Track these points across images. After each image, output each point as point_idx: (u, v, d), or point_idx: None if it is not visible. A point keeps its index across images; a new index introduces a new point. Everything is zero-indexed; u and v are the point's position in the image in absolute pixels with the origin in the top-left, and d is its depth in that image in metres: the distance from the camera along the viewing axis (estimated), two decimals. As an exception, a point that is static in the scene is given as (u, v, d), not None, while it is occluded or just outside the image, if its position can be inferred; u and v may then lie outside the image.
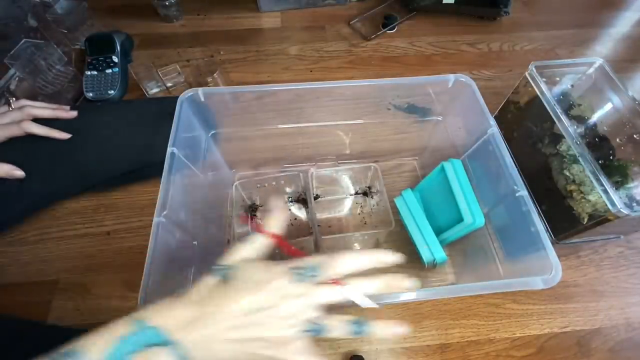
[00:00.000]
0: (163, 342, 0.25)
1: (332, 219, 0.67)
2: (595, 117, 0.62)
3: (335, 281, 0.28)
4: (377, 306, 0.29)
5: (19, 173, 0.53)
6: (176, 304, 0.27)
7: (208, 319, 0.26)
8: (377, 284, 0.29)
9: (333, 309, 0.29)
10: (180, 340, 0.25)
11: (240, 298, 0.26)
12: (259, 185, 0.65)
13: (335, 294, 0.28)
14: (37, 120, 0.55)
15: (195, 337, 0.25)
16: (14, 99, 0.56)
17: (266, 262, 0.29)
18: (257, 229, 0.32)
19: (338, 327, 0.28)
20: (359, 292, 0.29)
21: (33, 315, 0.57)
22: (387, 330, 0.29)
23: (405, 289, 0.30)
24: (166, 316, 0.26)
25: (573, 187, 0.57)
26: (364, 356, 0.55)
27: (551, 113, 0.58)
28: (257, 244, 0.31)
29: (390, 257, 0.30)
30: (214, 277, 0.28)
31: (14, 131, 0.53)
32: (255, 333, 0.26)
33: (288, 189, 0.67)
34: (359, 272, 0.30)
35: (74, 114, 0.58)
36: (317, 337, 0.28)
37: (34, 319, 0.56)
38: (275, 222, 0.32)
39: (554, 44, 0.96)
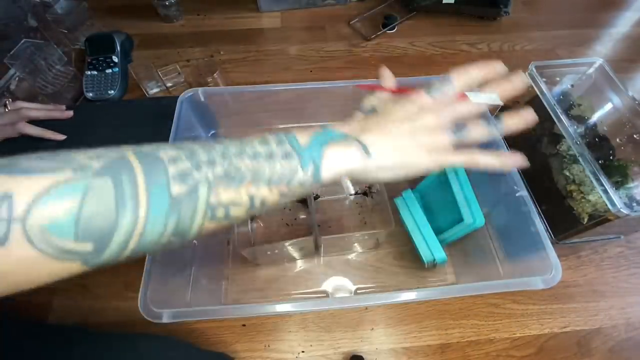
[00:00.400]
0: (352, 138, 0.31)
1: (332, 219, 0.67)
2: (595, 117, 0.62)
3: (462, 96, 0.34)
4: (498, 100, 0.35)
5: None
6: (345, 123, 0.33)
7: (374, 128, 0.32)
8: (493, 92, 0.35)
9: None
10: (361, 138, 0.31)
11: (390, 113, 0.33)
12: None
13: (466, 104, 0.33)
14: (35, 121, 0.55)
15: (370, 139, 0.31)
16: (10, 100, 0.57)
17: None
18: (375, 88, 0.38)
19: (476, 125, 0.34)
20: (482, 97, 0.34)
21: (34, 315, 0.57)
22: (516, 121, 0.35)
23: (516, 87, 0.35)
24: (342, 127, 0.33)
25: (573, 187, 0.57)
26: (363, 356, 0.55)
27: (551, 113, 0.58)
28: (380, 95, 0.37)
29: (494, 65, 0.35)
30: (362, 113, 0.36)
31: (9, 132, 0.53)
32: (412, 140, 0.32)
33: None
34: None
35: (69, 113, 0.58)
36: (464, 137, 0.33)
37: (34, 320, 0.56)
38: (388, 78, 0.39)
39: (554, 44, 0.96)
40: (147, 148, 0.25)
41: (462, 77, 0.34)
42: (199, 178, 0.25)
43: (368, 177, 0.32)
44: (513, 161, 0.36)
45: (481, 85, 0.35)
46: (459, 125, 0.33)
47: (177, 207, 0.24)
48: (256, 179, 0.27)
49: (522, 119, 0.35)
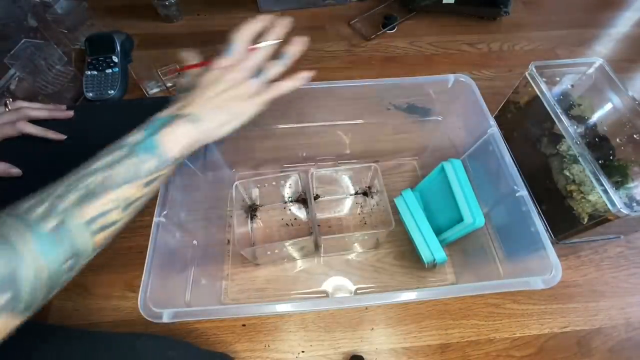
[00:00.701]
0: (179, 115, 0.37)
1: (332, 219, 0.67)
2: (595, 117, 0.62)
3: (252, 48, 0.40)
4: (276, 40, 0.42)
5: (15, 171, 0.53)
6: (169, 108, 0.38)
7: (193, 99, 0.37)
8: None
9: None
10: (187, 111, 0.37)
11: (206, 79, 0.38)
12: (259, 185, 0.65)
13: (256, 53, 0.40)
14: (36, 121, 0.55)
15: (194, 108, 0.37)
16: (10, 100, 0.56)
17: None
18: (203, 64, 0.42)
19: (269, 65, 0.41)
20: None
21: (34, 315, 0.57)
22: (294, 46, 0.43)
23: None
24: (169, 109, 0.38)
25: (573, 187, 0.57)
26: (363, 356, 0.55)
27: (551, 113, 0.58)
28: (189, 72, 0.42)
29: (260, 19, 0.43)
30: (181, 92, 0.40)
31: (9, 131, 0.53)
32: (225, 94, 0.38)
33: (288, 189, 0.67)
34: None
35: (70, 113, 0.58)
36: (265, 77, 0.40)
37: (34, 320, 0.56)
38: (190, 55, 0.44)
39: (554, 44, 0.96)
40: (10, 211, 0.31)
41: (244, 34, 0.40)
42: (62, 208, 0.30)
43: (209, 138, 0.38)
44: (302, 76, 0.44)
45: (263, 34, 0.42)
46: (261, 69, 0.40)
47: (60, 238, 0.29)
48: (111, 186, 0.33)
49: (298, 45, 0.43)
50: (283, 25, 0.43)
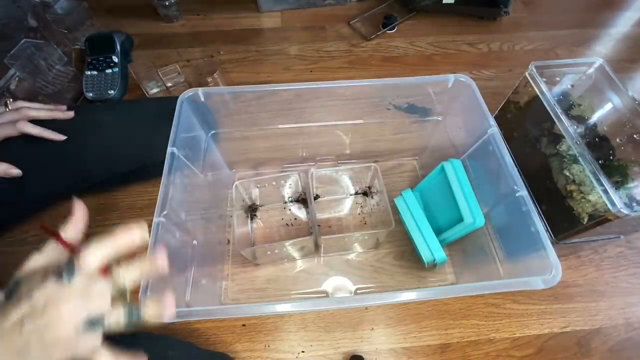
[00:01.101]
0: None
1: (332, 219, 0.67)
2: (595, 117, 0.62)
3: (104, 271, 0.28)
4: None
5: (15, 171, 0.53)
6: None
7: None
8: (135, 272, 0.29)
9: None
10: None
11: (11, 312, 0.25)
12: (259, 185, 0.65)
13: (102, 289, 0.27)
14: (36, 121, 0.55)
15: None
16: (11, 100, 0.56)
17: (46, 269, 0.28)
18: (54, 235, 0.29)
19: (115, 320, 0.28)
20: (126, 284, 0.29)
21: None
22: (155, 313, 0.29)
23: (137, 238, 0.29)
24: None
25: (573, 187, 0.57)
26: (363, 356, 0.55)
27: (551, 113, 0.58)
28: (50, 252, 0.29)
29: (136, 234, 0.29)
30: (1, 293, 0.27)
31: (9, 131, 0.53)
32: (35, 339, 0.25)
33: (288, 189, 0.67)
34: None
35: (70, 114, 0.58)
36: (103, 331, 0.27)
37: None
38: (72, 229, 0.30)
39: (554, 44, 0.96)
40: None
41: (96, 250, 0.28)
42: None
43: None
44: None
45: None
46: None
47: None
48: None
49: (160, 317, 0.30)
50: (148, 271, 0.30)
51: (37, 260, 0.28)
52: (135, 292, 0.30)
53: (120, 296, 0.29)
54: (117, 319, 0.28)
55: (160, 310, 0.29)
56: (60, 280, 0.26)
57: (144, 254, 0.30)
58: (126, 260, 0.29)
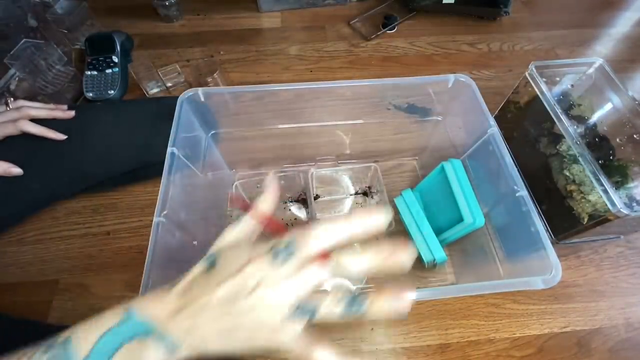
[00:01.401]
0: (151, 332, 0.24)
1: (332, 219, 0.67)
2: (595, 117, 0.62)
3: (324, 256, 0.25)
4: (368, 286, 0.27)
5: (16, 170, 0.53)
6: (164, 295, 0.26)
7: (193, 308, 0.25)
8: (369, 260, 0.27)
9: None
10: (168, 330, 0.24)
11: (221, 284, 0.25)
12: (258, 185, 0.65)
13: (318, 276, 0.25)
14: (36, 120, 0.55)
15: (182, 326, 0.24)
16: (12, 99, 0.56)
17: (252, 244, 0.28)
18: (246, 209, 0.29)
19: (330, 309, 0.25)
20: (347, 275, 0.27)
21: (33, 315, 0.57)
22: (385, 307, 0.27)
23: (403, 262, 0.27)
24: (154, 307, 0.25)
25: (573, 187, 0.57)
26: (363, 356, 0.55)
27: (551, 113, 0.58)
28: (245, 226, 0.29)
29: (379, 219, 0.26)
30: (202, 265, 0.28)
31: (10, 130, 0.53)
32: (242, 320, 0.24)
33: (288, 189, 0.67)
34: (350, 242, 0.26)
35: (71, 113, 0.58)
36: (311, 320, 0.25)
37: (34, 319, 0.56)
38: (266, 201, 0.30)
39: (554, 44, 0.96)
40: None
41: (324, 235, 0.25)
42: None
43: None
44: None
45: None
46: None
47: None
48: None
49: (391, 308, 0.27)
50: (396, 257, 0.27)
51: (233, 234, 0.28)
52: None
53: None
54: (332, 308, 0.25)
55: (388, 305, 0.26)
56: (276, 260, 0.25)
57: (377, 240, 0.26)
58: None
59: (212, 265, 0.27)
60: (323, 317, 0.25)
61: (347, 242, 0.26)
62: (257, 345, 0.25)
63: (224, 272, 0.25)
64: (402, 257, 0.27)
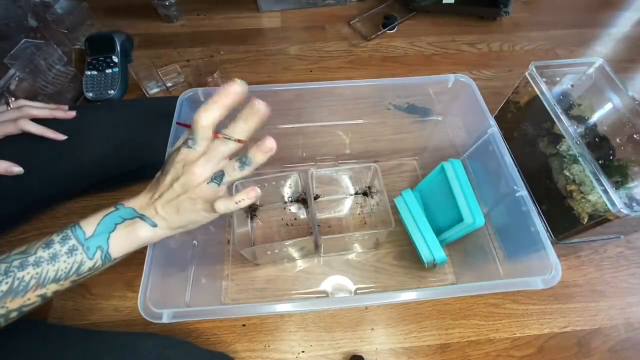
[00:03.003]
0: (137, 216, 0.36)
1: (332, 219, 0.67)
2: (595, 117, 0.62)
3: (215, 134, 0.34)
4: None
5: (17, 169, 0.53)
6: (142, 192, 0.37)
7: (158, 199, 0.35)
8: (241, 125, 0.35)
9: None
10: (147, 214, 0.36)
11: (163, 175, 0.36)
12: (258, 185, 0.65)
13: (219, 145, 0.34)
14: (36, 120, 0.55)
15: (152, 210, 0.35)
16: (13, 98, 0.56)
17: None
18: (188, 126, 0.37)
19: (231, 169, 0.34)
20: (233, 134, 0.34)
21: (33, 314, 0.57)
22: (261, 152, 0.35)
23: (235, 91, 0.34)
24: (134, 202, 0.36)
25: (573, 187, 0.57)
26: (363, 356, 0.55)
27: (551, 113, 0.58)
28: (181, 140, 0.37)
29: (234, 87, 0.33)
30: (158, 173, 0.37)
31: (10, 129, 0.53)
32: (184, 196, 0.34)
33: (288, 189, 0.67)
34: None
35: (72, 114, 0.58)
36: (225, 182, 0.35)
37: (34, 319, 0.56)
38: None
39: (554, 44, 0.96)
40: None
41: (209, 118, 0.33)
42: None
43: (157, 239, 0.37)
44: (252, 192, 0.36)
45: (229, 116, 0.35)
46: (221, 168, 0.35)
47: None
48: (42, 282, 0.33)
49: (265, 152, 0.35)
50: (252, 118, 0.35)
51: (177, 143, 0.37)
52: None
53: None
54: (233, 169, 0.34)
55: (263, 150, 0.35)
56: (188, 147, 0.34)
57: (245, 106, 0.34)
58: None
59: (163, 167, 0.37)
60: (233, 177, 0.35)
61: (225, 112, 0.34)
62: (201, 216, 0.36)
63: (164, 168, 0.36)
64: (234, 87, 0.34)
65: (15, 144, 0.54)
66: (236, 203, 0.35)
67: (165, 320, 0.37)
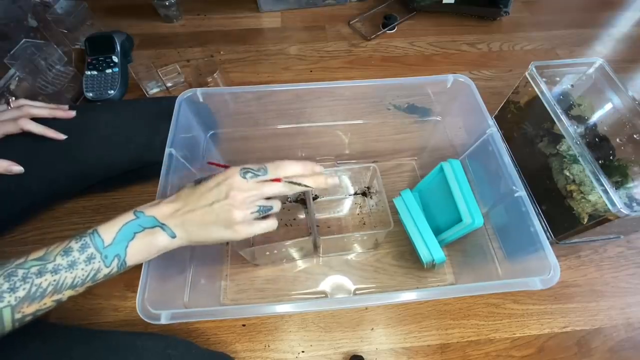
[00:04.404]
0: (157, 225, 0.36)
1: (331, 219, 0.67)
2: (595, 117, 0.62)
3: (276, 180, 0.38)
4: (310, 186, 0.39)
5: (17, 169, 0.53)
6: (164, 202, 0.37)
7: (184, 210, 0.36)
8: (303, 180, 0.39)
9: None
10: (167, 224, 0.36)
11: (203, 192, 0.37)
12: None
13: (277, 187, 0.38)
14: (36, 120, 0.55)
15: (177, 222, 0.36)
16: (13, 98, 0.56)
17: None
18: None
19: (277, 205, 0.40)
20: (292, 189, 0.38)
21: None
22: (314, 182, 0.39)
23: (325, 183, 0.40)
24: (157, 210, 0.36)
25: (573, 187, 0.57)
26: (363, 356, 0.55)
27: (551, 113, 0.58)
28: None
29: (323, 180, 0.40)
30: (190, 183, 0.39)
31: (10, 128, 0.53)
32: (218, 217, 0.36)
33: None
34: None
35: (72, 113, 0.58)
36: (267, 213, 0.39)
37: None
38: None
39: (554, 44, 0.96)
40: None
41: (278, 170, 0.38)
42: (1, 306, 0.31)
43: (173, 248, 0.37)
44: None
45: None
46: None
47: None
48: (59, 289, 0.33)
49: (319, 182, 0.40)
50: (316, 183, 0.40)
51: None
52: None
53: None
54: (279, 206, 0.40)
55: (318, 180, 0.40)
56: (245, 176, 0.37)
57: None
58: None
59: (198, 183, 0.38)
60: (275, 211, 0.40)
61: (296, 176, 0.39)
62: (226, 236, 0.37)
63: (206, 185, 0.37)
64: (320, 180, 0.40)
65: (15, 143, 0.54)
66: (260, 229, 0.38)
67: (163, 321, 0.37)
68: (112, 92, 0.77)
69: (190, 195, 0.37)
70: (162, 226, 0.36)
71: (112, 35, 0.81)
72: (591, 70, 0.64)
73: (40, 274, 0.32)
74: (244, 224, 0.37)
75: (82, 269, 0.33)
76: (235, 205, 0.36)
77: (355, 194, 0.70)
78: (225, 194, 0.36)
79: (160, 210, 0.36)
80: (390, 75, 0.88)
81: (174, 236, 0.36)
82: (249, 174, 0.37)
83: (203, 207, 0.36)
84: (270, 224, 0.39)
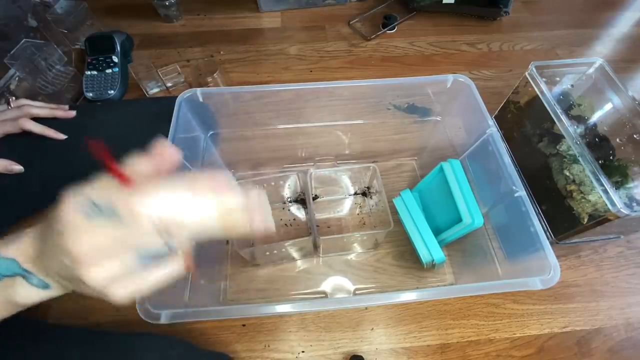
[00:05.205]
0: (21, 272, 0.25)
1: (331, 219, 0.67)
2: (595, 117, 0.62)
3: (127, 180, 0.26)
4: None
5: (17, 168, 0.53)
6: (14, 243, 0.26)
7: (44, 254, 0.25)
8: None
9: None
10: (31, 269, 0.25)
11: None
12: (258, 186, 0.65)
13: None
14: (36, 119, 0.55)
15: (40, 267, 0.25)
16: (13, 98, 0.56)
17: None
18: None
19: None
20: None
21: (33, 315, 0.57)
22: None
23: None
24: (10, 249, 0.26)
25: (573, 187, 0.57)
26: (363, 356, 0.55)
27: (551, 113, 0.58)
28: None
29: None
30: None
31: (10, 128, 0.53)
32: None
33: (287, 189, 0.67)
34: None
35: (72, 113, 0.58)
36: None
37: (35, 319, 0.56)
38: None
39: (554, 44, 0.96)
40: None
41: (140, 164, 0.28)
42: None
43: (47, 299, 0.27)
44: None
45: None
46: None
47: None
48: None
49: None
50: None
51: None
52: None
53: None
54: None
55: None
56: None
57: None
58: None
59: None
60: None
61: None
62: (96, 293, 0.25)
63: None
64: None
65: (15, 143, 0.54)
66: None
67: (163, 321, 0.37)
68: (112, 92, 0.77)
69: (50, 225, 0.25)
70: (25, 274, 0.26)
71: (112, 35, 0.81)
72: (591, 70, 0.64)
73: None
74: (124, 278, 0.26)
75: None
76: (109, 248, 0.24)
77: (355, 194, 0.70)
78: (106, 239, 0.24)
79: (17, 249, 0.26)
80: (390, 75, 0.88)
81: (46, 286, 0.26)
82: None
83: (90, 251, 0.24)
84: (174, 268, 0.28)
